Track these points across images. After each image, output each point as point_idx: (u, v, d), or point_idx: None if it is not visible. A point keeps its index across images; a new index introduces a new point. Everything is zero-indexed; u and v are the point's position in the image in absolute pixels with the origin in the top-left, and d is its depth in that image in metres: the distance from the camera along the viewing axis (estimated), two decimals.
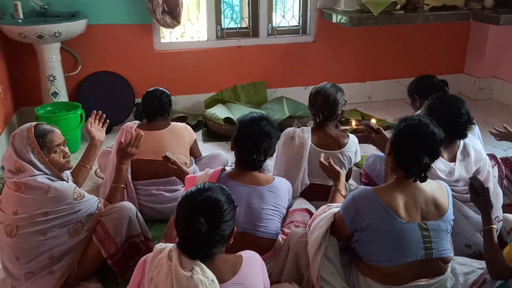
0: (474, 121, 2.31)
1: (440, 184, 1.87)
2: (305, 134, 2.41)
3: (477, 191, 1.95)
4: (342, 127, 4.11)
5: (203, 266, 1.41)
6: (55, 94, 3.68)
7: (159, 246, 1.52)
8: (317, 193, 2.45)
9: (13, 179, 1.90)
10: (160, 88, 2.81)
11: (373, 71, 4.81)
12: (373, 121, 4.15)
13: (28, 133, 1.92)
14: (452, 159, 2.26)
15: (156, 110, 2.72)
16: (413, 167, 1.76)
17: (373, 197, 1.76)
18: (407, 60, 4.84)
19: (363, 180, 2.98)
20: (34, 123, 1.99)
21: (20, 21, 3.52)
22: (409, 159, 1.77)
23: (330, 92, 2.43)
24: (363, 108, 4.65)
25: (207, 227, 1.40)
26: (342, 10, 4.22)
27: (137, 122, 2.75)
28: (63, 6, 3.79)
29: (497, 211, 2.30)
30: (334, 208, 1.95)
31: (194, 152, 2.84)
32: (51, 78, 3.64)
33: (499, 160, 2.66)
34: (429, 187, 1.82)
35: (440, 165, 2.22)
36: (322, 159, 2.19)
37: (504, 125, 3.00)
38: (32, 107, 3.62)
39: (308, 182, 2.43)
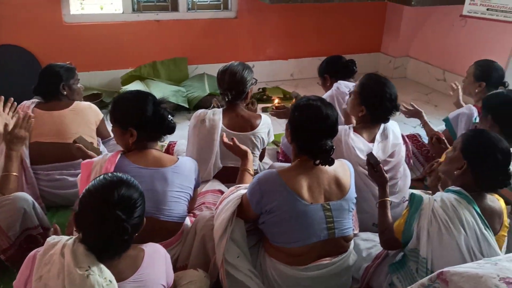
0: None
1: (342, 163, 1.91)
2: (216, 116, 2.36)
3: (373, 167, 2.06)
4: (264, 105, 4.15)
5: (101, 265, 1.34)
6: None
7: (51, 239, 1.41)
8: (231, 176, 2.40)
9: None
10: (60, 63, 2.60)
11: (296, 49, 4.84)
12: (294, 99, 4.21)
13: None
14: (372, 140, 2.34)
15: (54, 87, 2.51)
16: (318, 154, 1.78)
17: (277, 180, 1.77)
18: (328, 39, 4.91)
19: (280, 158, 3.02)
20: None
21: None
22: (312, 147, 1.78)
23: (236, 70, 2.39)
24: (286, 86, 4.68)
25: (119, 226, 1.34)
26: None
27: (35, 100, 2.53)
28: None
29: (405, 192, 2.42)
30: (242, 189, 1.94)
31: (101, 133, 2.68)
32: None
33: (407, 140, 2.79)
34: (332, 166, 1.84)
35: (360, 144, 2.29)
36: (225, 139, 2.16)
37: (412, 103, 3.15)
38: None
39: (221, 165, 2.39)
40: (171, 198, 1.84)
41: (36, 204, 2.01)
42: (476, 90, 2.83)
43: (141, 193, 1.46)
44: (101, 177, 1.44)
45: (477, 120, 2.69)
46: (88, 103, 2.65)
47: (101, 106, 3.86)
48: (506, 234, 1.87)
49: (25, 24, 3.75)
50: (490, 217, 1.79)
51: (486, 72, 2.80)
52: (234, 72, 2.38)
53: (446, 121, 2.87)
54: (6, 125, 2.09)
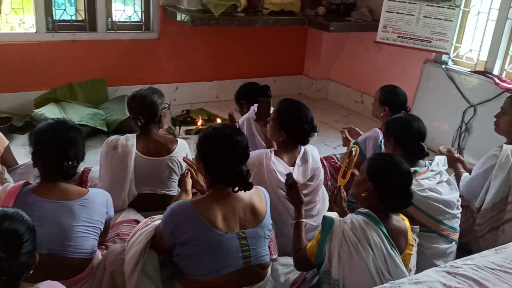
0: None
1: (258, 190, 1.91)
2: (129, 142, 2.29)
3: (291, 187, 2.10)
4: (188, 127, 4.11)
5: None
6: None
7: None
8: (147, 203, 2.35)
9: None
10: None
11: (220, 70, 4.86)
12: (219, 121, 4.21)
13: None
14: (293, 164, 2.36)
15: None
16: (235, 180, 1.77)
17: (190, 210, 1.73)
18: (252, 61, 4.98)
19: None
20: None
21: None
22: (228, 175, 1.77)
23: (145, 94, 2.36)
24: (210, 107, 4.67)
25: (3, 264, 1.22)
26: (185, 8, 4.16)
27: None
28: None
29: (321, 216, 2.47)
30: (157, 220, 1.88)
31: (6, 161, 2.50)
32: None
33: (324, 163, 2.87)
34: (247, 194, 1.84)
35: (281, 168, 2.30)
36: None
37: (351, 125, 3.27)
38: None
39: (136, 193, 2.31)
40: (77, 233, 1.74)
41: None
42: (382, 114, 3.00)
43: (29, 227, 1.34)
44: None
45: (383, 144, 2.85)
46: None
47: (11, 130, 3.64)
48: (412, 252, 1.97)
49: None
50: (396, 237, 1.88)
51: (389, 98, 2.98)
52: (143, 96, 2.34)
53: (356, 144, 3.00)
54: None
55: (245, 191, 1.79)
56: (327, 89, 5.29)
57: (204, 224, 1.71)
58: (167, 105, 2.42)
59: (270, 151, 2.37)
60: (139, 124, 2.32)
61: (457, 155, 2.95)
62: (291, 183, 2.08)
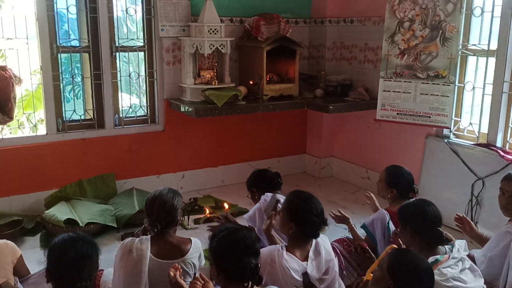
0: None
1: None
2: (143, 245, 2.28)
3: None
4: (196, 216, 4.11)
5: None
6: None
7: None
8: None
9: None
10: None
11: (225, 155, 4.95)
12: (226, 206, 4.21)
13: None
14: (305, 258, 2.34)
15: None
16: (245, 274, 1.79)
17: None
18: (255, 144, 5.08)
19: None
20: None
21: None
22: (235, 267, 1.81)
23: (166, 199, 2.37)
24: (217, 193, 4.70)
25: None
26: (188, 100, 4.33)
27: None
28: None
29: None
30: None
31: (19, 271, 2.48)
32: None
33: (337, 251, 2.84)
34: None
35: (294, 265, 2.27)
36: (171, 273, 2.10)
37: (339, 209, 3.26)
38: None
39: None
40: None
41: None
42: (389, 196, 3.01)
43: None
44: None
45: (391, 224, 2.83)
46: (4, 241, 2.48)
47: (22, 233, 3.64)
48: None
49: None
50: None
51: (395, 180, 3.01)
52: (164, 202, 2.35)
53: (364, 227, 3.00)
54: None
55: (257, 285, 1.81)
56: (332, 166, 5.34)
57: None
58: (184, 206, 2.44)
59: (282, 247, 2.34)
60: (156, 230, 2.32)
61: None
62: (307, 284, 2.06)
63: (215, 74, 4.46)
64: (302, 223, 2.36)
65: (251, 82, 4.55)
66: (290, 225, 2.37)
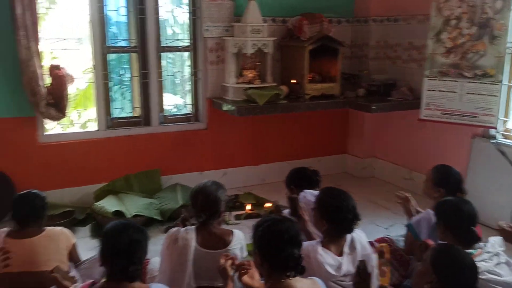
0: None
1: (314, 282, 1.93)
2: (188, 235, 2.37)
3: (360, 275, 2.08)
4: (237, 212, 4.19)
5: None
6: None
7: None
8: None
9: None
10: (33, 191, 2.63)
11: (266, 154, 5.00)
12: (267, 204, 4.27)
13: None
14: (340, 253, 2.36)
15: (28, 216, 2.52)
16: (288, 264, 1.83)
17: None
18: (296, 143, 5.11)
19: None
20: None
21: None
22: (279, 257, 1.84)
23: (210, 191, 2.45)
24: (257, 191, 4.75)
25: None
26: (230, 99, 4.42)
27: (5, 230, 2.52)
28: None
29: None
30: None
31: (73, 258, 2.64)
32: None
33: (375, 246, 2.82)
34: (304, 285, 1.87)
35: (329, 260, 2.29)
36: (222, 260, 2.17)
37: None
38: None
39: (194, 286, 2.35)
40: None
41: None
42: (436, 195, 2.95)
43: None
44: None
45: None
46: (60, 228, 2.64)
47: (73, 223, 3.83)
48: None
49: (0, 147, 3.82)
50: None
51: (444, 179, 2.94)
52: (208, 194, 2.43)
53: (410, 226, 2.95)
54: None
55: (300, 275, 1.85)
56: (374, 167, 5.29)
57: None
58: (227, 198, 2.52)
59: (317, 243, 2.37)
60: (200, 220, 2.41)
61: None
62: (361, 272, 2.07)
63: (257, 73, 4.53)
64: (334, 221, 2.36)
65: (292, 81, 4.59)
66: (322, 222, 2.38)
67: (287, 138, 5.06)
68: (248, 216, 4.12)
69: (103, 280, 1.93)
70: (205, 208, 2.40)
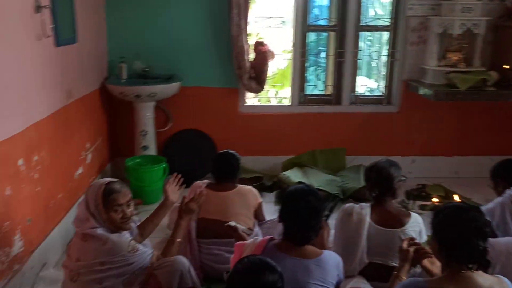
0: None
1: (501, 280, 1.72)
2: (363, 210, 2.37)
3: None
4: (422, 202, 3.97)
5: None
6: (145, 147, 4.02)
7: None
8: (377, 273, 2.34)
9: (79, 228, 2.10)
10: (231, 151, 2.95)
11: (462, 145, 4.59)
12: (456, 198, 3.94)
13: (98, 189, 2.12)
14: None
15: (225, 172, 2.85)
16: (468, 254, 1.69)
17: None
18: (501, 136, 4.55)
19: None
20: (108, 180, 2.18)
21: (123, 81, 3.96)
22: (460, 248, 1.70)
23: (383, 166, 2.44)
24: (448, 184, 4.40)
25: None
26: (428, 83, 4.16)
27: (206, 181, 2.89)
28: (161, 69, 4.19)
29: None
30: None
31: (258, 215, 2.90)
32: (143, 133, 3.99)
33: None
34: (488, 282, 1.68)
35: None
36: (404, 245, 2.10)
37: None
38: (124, 158, 3.98)
39: (367, 261, 2.34)
40: None
41: (192, 269, 2.22)
42: None
43: (280, 274, 1.55)
44: (246, 259, 1.56)
45: None
46: (249, 187, 2.92)
47: (261, 188, 4.15)
48: None
49: (208, 112, 4.36)
50: None
51: None
52: (381, 168, 2.42)
53: None
54: (184, 198, 2.43)
55: (483, 270, 1.69)
56: None
57: None
58: (403, 179, 2.44)
59: None
60: (373, 194, 2.39)
61: None
62: None
63: (463, 56, 4.15)
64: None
65: (505, 67, 4.06)
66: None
67: (491, 130, 4.54)
68: (434, 208, 3.85)
69: (280, 238, 2.06)
70: (378, 183, 2.38)
